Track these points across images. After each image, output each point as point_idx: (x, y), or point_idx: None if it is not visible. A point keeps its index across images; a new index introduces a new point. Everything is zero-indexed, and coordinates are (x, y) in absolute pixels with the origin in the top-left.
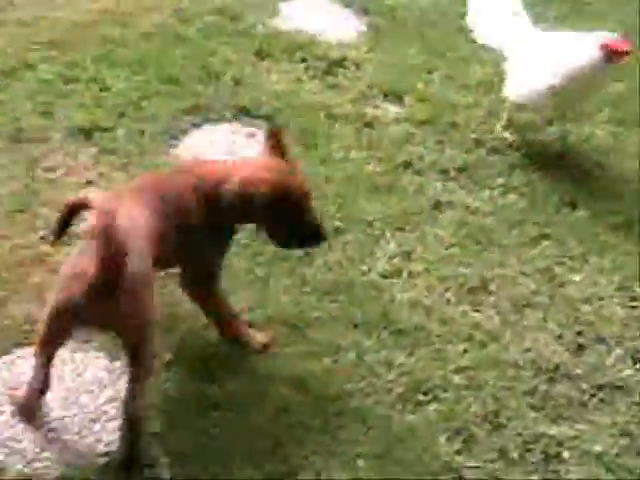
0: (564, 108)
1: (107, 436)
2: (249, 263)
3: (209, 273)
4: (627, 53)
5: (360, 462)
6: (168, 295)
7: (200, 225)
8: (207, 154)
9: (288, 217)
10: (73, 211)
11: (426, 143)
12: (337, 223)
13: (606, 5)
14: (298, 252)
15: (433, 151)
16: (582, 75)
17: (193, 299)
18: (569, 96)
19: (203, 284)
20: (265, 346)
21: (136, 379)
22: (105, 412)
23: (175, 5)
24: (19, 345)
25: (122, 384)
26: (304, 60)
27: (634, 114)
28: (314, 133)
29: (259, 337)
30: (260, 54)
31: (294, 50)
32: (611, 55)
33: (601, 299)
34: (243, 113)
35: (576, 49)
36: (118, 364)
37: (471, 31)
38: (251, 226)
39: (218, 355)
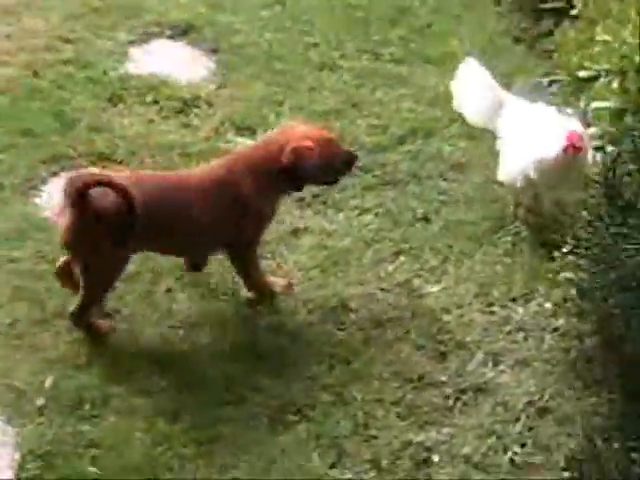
0: (547, 189)
1: None
2: (116, 303)
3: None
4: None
5: None
6: (39, 341)
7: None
8: None
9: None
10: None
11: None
12: None
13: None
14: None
15: None
16: (549, 167)
17: (240, 268)
18: (545, 182)
19: (251, 252)
20: (287, 286)
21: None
22: None
23: (27, 60)
24: None
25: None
26: (156, 102)
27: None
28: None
29: (280, 282)
30: (113, 100)
31: (146, 93)
32: (569, 148)
33: (460, 307)
34: (100, 158)
35: (544, 141)
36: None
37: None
38: None
39: (92, 395)
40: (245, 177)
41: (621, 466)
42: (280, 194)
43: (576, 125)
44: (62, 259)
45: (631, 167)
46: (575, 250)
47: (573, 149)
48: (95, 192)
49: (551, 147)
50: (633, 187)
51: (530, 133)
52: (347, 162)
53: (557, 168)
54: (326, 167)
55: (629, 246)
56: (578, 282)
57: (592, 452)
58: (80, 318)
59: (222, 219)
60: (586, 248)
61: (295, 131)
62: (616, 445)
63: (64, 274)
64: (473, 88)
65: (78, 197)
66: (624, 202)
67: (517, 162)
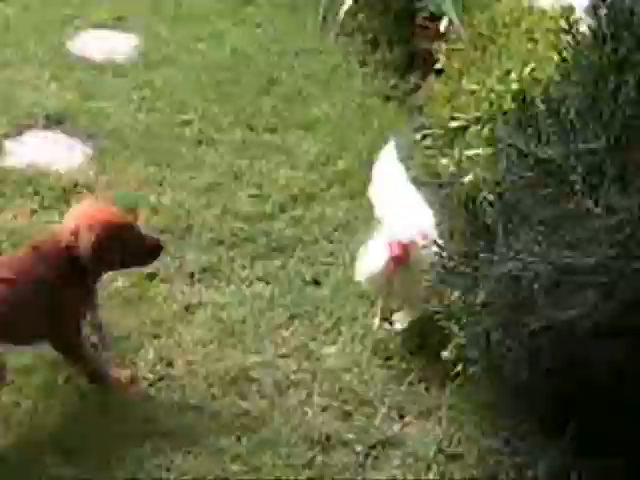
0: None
1: None
2: (16, 397)
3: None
4: (401, 258)
5: None
6: None
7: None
8: None
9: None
10: None
11: (167, 250)
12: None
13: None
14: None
15: (175, 258)
16: (377, 279)
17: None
18: (378, 292)
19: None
20: (131, 380)
21: None
22: None
23: None
24: None
25: None
26: (37, 193)
27: (361, 185)
28: None
29: (124, 374)
30: None
31: (25, 185)
32: (391, 262)
33: (358, 365)
34: None
35: (373, 253)
36: None
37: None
38: None
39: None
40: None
41: None
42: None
43: (415, 224)
44: None
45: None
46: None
47: (396, 261)
48: None
49: (377, 260)
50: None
51: (377, 237)
52: (150, 249)
53: (384, 279)
54: (113, 251)
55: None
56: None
57: None
58: None
59: (31, 308)
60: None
61: (81, 213)
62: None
63: None
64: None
65: None
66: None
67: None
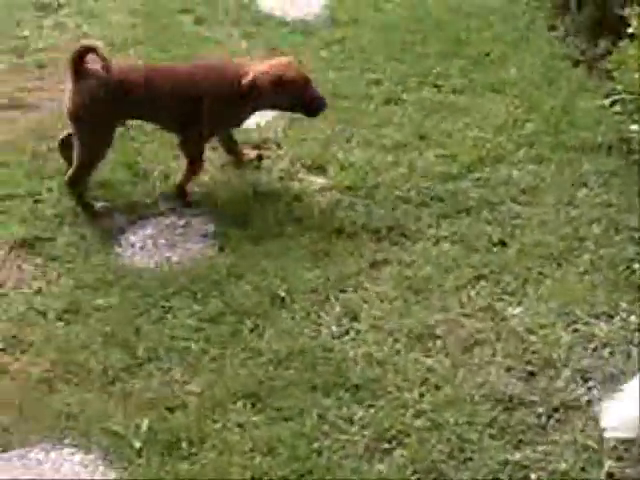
0: None
1: None
2: (204, 345)
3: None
4: None
5: None
6: (132, 385)
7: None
8: (146, 249)
9: (291, 98)
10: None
11: (355, 207)
12: (282, 294)
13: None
14: None
15: (362, 214)
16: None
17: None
18: None
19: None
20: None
21: None
22: None
23: None
24: None
25: (98, 475)
26: None
27: (548, 150)
28: (245, 213)
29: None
30: None
31: None
32: None
33: (544, 327)
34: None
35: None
36: (92, 456)
37: None
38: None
39: (188, 434)
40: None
41: None
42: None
43: None
44: (65, 132)
45: None
46: None
47: None
48: (93, 67)
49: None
50: None
51: None
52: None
53: None
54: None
55: None
56: None
57: None
58: (74, 184)
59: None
60: None
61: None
62: None
63: (64, 146)
64: None
65: (75, 66)
66: None
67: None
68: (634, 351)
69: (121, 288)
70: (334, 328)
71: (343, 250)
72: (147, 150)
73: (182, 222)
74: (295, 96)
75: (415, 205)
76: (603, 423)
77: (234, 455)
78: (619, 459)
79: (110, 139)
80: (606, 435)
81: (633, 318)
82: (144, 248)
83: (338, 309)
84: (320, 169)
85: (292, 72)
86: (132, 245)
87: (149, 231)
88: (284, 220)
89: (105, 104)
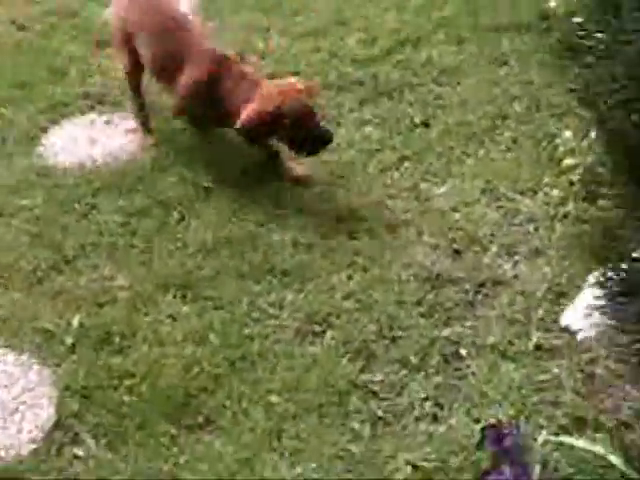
0: None
1: (28, 425)
2: (130, 239)
3: None
4: None
5: (273, 398)
6: (62, 283)
7: None
8: (69, 148)
9: (291, 134)
10: None
11: None
12: (207, 185)
13: None
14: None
15: None
16: None
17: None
18: None
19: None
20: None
21: None
22: (23, 402)
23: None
24: None
25: (32, 374)
26: None
27: (468, 31)
28: (166, 107)
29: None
30: (100, 45)
31: None
32: None
33: (468, 205)
34: (96, 102)
35: None
36: (25, 356)
37: None
38: None
39: (119, 328)
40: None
41: None
42: None
43: None
44: None
45: None
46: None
47: None
48: None
49: None
50: None
51: None
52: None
53: None
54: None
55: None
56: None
57: None
58: None
59: None
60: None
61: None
62: None
63: None
64: None
65: None
66: None
67: None
68: (557, 225)
69: (45, 188)
70: (259, 216)
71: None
72: (65, 50)
73: (103, 119)
74: (295, 134)
75: (336, 90)
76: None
77: (166, 346)
78: (546, 330)
79: None
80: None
81: (555, 192)
82: (66, 148)
83: (263, 197)
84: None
85: (293, 104)
86: (54, 145)
87: (70, 130)
88: None
89: None
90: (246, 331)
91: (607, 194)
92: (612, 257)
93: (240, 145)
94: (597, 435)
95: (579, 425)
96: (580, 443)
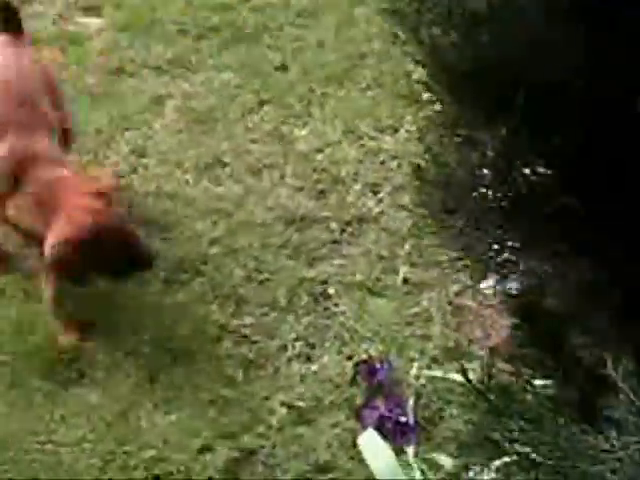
0: None
1: None
2: None
3: None
4: None
5: (145, 348)
6: None
7: None
8: None
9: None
10: None
11: (133, 45)
12: None
13: None
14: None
15: (141, 51)
16: None
17: None
18: None
19: None
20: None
21: None
22: None
23: None
24: None
25: None
26: None
27: None
28: None
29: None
30: None
31: None
32: None
33: (330, 145)
34: None
35: None
36: None
37: None
38: None
39: None
40: None
41: None
42: None
43: None
44: None
45: None
46: None
47: None
48: None
49: None
50: None
51: None
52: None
53: None
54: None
55: None
56: None
57: None
58: None
59: None
60: None
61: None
62: None
63: None
64: None
65: None
66: None
67: None
68: (419, 161)
69: None
70: (123, 166)
71: (126, 89)
72: None
73: None
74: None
75: (194, 37)
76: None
77: (34, 303)
78: (413, 265)
79: None
80: None
81: (415, 128)
82: None
83: (124, 147)
84: (94, 10)
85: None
86: None
87: None
88: (59, 65)
89: None
90: (112, 285)
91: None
92: None
93: (98, 96)
94: (469, 365)
95: (450, 356)
96: (450, 374)
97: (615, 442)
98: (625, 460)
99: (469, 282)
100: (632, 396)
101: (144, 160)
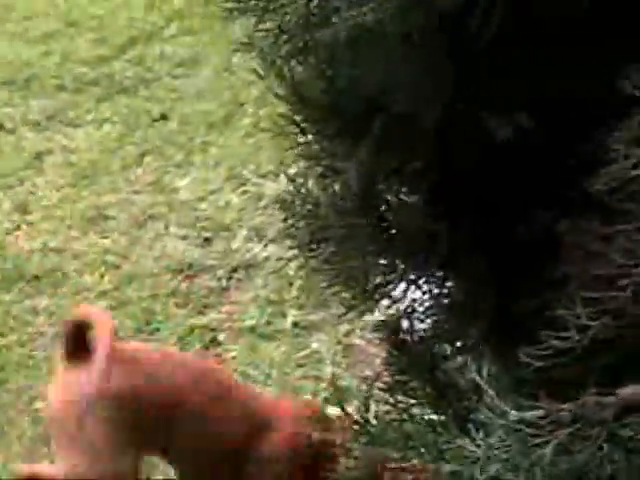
0: None
1: None
2: None
3: None
4: None
5: (38, 404)
6: None
7: None
8: None
9: None
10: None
11: (12, 102)
12: None
13: None
14: None
15: (20, 108)
16: None
17: None
18: None
19: None
20: None
21: None
22: None
23: None
24: None
25: None
26: None
27: (200, 21)
28: None
29: None
30: None
31: None
32: None
33: (213, 193)
34: None
35: None
36: None
37: None
38: None
39: None
40: None
41: None
42: None
43: None
44: None
45: None
46: None
47: None
48: None
49: None
50: None
51: None
52: None
53: None
54: None
55: None
56: None
57: None
58: None
59: None
60: None
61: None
62: None
63: None
64: None
65: None
66: None
67: None
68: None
69: None
70: (6, 225)
71: (4, 145)
72: None
73: None
74: None
75: (72, 92)
76: None
77: None
78: (300, 307)
79: None
80: None
81: (294, 170)
82: None
83: (7, 205)
84: None
85: None
86: None
87: None
88: None
89: None
90: (3, 341)
91: None
92: None
93: None
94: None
95: (341, 396)
96: (330, 409)
97: (481, 443)
98: (492, 459)
99: (356, 320)
100: (495, 399)
101: (28, 217)
